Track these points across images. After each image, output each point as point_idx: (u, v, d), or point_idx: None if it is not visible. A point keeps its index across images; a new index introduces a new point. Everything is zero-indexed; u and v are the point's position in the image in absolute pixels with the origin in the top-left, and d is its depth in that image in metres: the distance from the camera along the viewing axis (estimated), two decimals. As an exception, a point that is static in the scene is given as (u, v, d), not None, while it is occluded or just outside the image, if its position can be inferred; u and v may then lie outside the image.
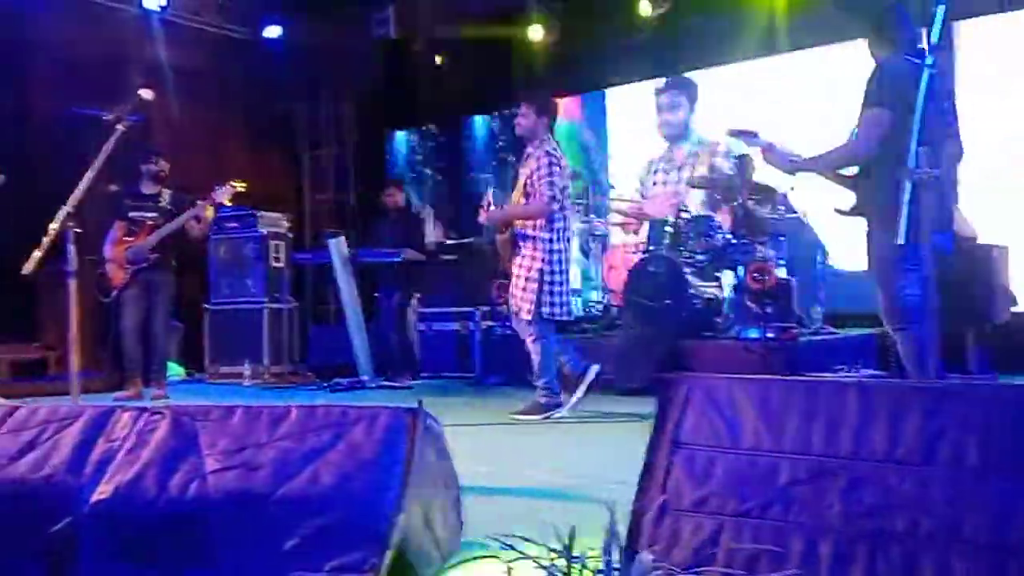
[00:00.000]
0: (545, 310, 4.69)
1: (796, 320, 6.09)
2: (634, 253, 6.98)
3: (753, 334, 5.84)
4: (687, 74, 8.30)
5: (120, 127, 3.72)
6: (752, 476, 1.77)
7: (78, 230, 3.42)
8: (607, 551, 1.58)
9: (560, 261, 4.75)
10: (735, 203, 6.33)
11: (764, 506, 1.72)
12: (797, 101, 7.40)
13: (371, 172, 9.77)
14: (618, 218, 7.84)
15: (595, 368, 4.84)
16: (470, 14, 8.67)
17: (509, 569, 1.73)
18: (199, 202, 6.19)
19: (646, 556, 1.57)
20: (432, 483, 2.06)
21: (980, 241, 5.77)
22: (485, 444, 4.14)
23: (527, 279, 4.68)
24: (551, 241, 4.71)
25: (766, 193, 6.49)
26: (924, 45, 3.44)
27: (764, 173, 6.08)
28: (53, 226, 3.42)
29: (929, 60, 3.18)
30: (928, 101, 3.15)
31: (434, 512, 2.04)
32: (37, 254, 3.41)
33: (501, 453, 3.96)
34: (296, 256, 8.30)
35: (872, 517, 1.61)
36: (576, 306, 6.39)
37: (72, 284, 3.41)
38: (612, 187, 8.42)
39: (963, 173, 5.84)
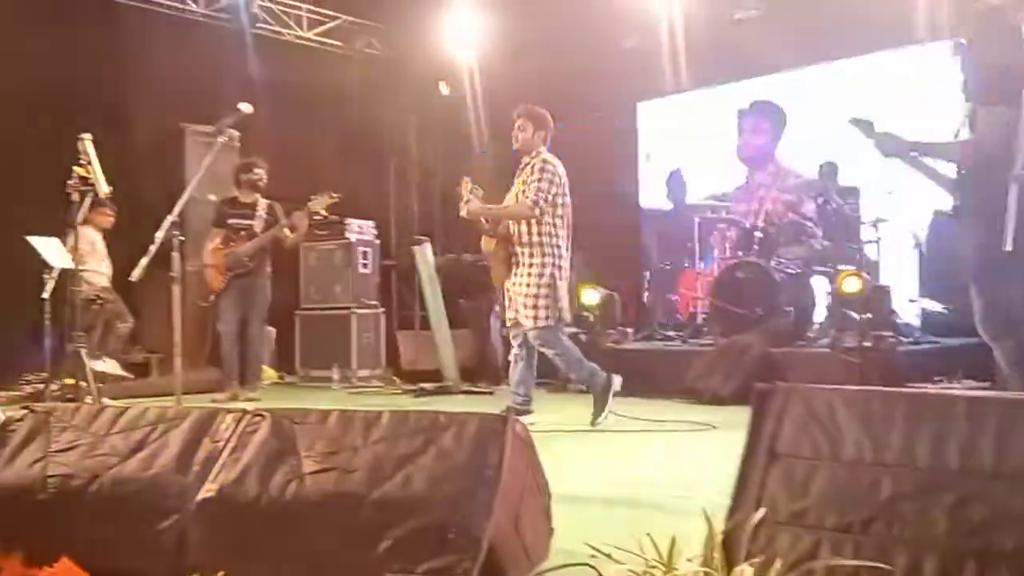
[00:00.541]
0: (567, 316, 4.76)
1: (893, 328, 5.88)
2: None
3: (848, 343, 5.65)
4: (771, 76, 8.04)
5: (221, 139, 3.86)
6: (853, 490, 1.72)
7: (182, 238, 3.56)
8: (706, 563, 1.55)
9: (563, 268, 4.78)
10: (828, 207, 6.16)
11: (866, 521, 1.67)
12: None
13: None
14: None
15: (618, 379, 4.78)
16: (552, 17, 8.68)
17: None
18: (296, 212, 6.37)
19: (745, 569, 1.54)
20: (522, 489, 2.07)
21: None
22: (570, 450, 4.14)
23: (539, 286, 4.66)
24: (555, 246, 4.73)
25: (858, 197, 6.30)
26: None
27: (854, 177, 5.91)
28: (158, 235, 3.57)
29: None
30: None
31: (524, 518, 2.05)
32: (144, 261, 3.57)
33: (586, 460, 3.94)
34: (383, 262, 8.45)
35: (980, 534, 1.54)
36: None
37: (176, 290, 3.55)
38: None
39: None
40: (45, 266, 5.39)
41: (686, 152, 8.77)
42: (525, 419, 4.50)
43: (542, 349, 4.74)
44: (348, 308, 8.02)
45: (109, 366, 6.61)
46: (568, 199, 4.86)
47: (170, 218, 3.57)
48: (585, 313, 7.34)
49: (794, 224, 6.35)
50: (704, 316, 6.89)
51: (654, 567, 1.62)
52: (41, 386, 5.77)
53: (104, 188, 4.79)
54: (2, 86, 6.75)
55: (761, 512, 1.68)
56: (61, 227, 5.11)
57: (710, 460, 3.82)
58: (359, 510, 1.92)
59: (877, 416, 1.78)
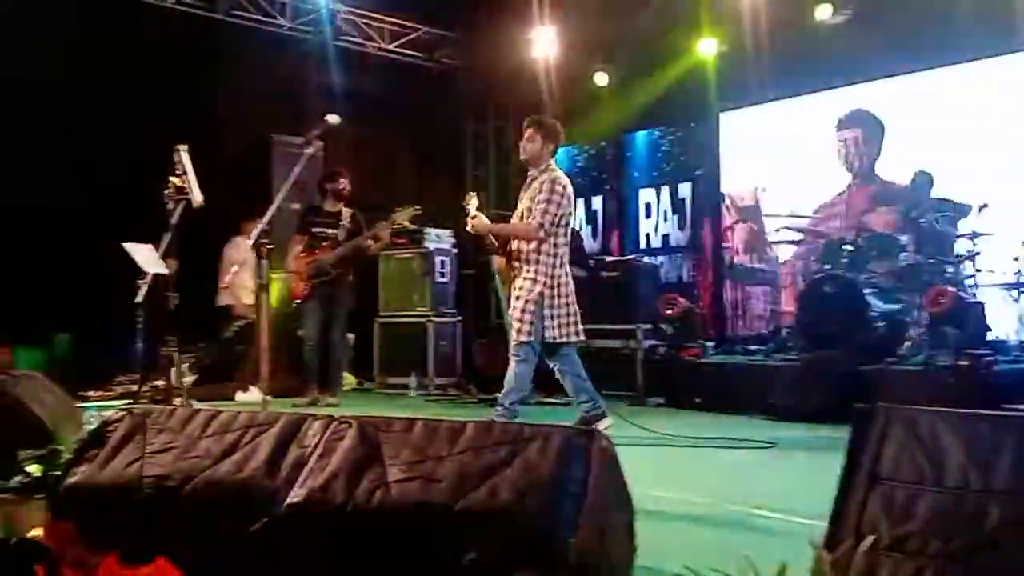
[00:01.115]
0: (549, 333, 4.59)
1: (990, 346, 5.61)
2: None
3: (942, 360, 5.41)
4: (864, 85, 7.79)
5: (309, 150, 3.95)
6: (958, 516, 1.64)
7: (271, 246, 3.65)
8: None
9: (562, 285, 4.66)
10: (921, 221, 5.93)
11: (971, 549, 1.59)
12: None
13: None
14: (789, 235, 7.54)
15: (609, 423, 4.63)
16: (633, 30, 8.63)
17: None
18: (379, 223, 6.48)
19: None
20: (606, 505, 2.03)
21: None
22: (651, 466, 4.07)
23: (527, 300, 4.57)
24: (553, 266, 4.62)
25: (954, 209, 6.05)
26: None
27: (949, 189, 5.68)
28: (249, 242, 3.66)
29: None
30: None
31: (608, 535, 2.02)
32: (235, 269, 3.66)
33: (666, 476, 3.88)
34: (461, 271, 8.51)
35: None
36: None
37: (264, 296, 3.64)
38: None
39: None
40: (139, 272, 5.59)
41: (770, 163, 8.58)
42: (602, 424, 4.50)
43: (516, 363, 4.63)
44: (425, 316, 8.11)
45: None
46: (569, 218, 4.76)
47: (260, 226, 3.67)
48: (663, 326, 7.24)
49: (885, 237, 6.14)
50: (788, 330, 6.70)
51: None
52: (132, 388, 6.00)
53: (198, 197, 4.95)
54: (103, 100, 7.08)
55: (870, 540, 1.61)
56: (156, 234, 5.29)
57: (778, 478, 3.72)
58: (444, 520, 1.91)
59: (984, 440, 1.69)
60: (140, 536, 2.15)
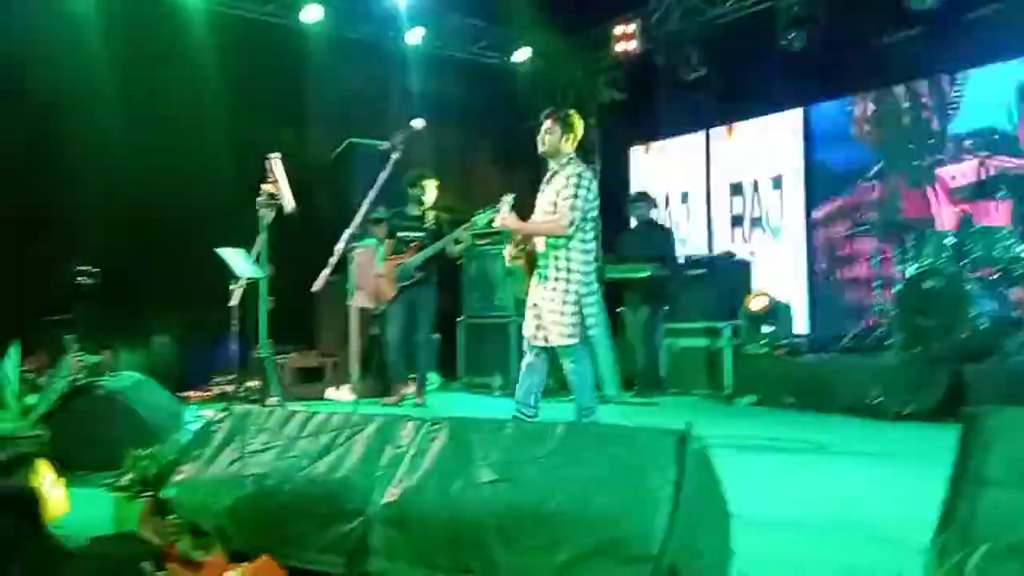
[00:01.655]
0: (590, 333, 4.47)
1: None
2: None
3: (1053, 359, 5.14)
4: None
5: (395, 155, 4.00)
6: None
7: (360, 250, 3.71)
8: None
9: (594, 283, 4.52)
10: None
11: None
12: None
13: (615, 187, 9.83)
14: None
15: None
16: (716, 25, 8.48)
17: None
18: (463, 225, 6.53)
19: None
20: (701, 508, 2.00)
21: None
22: (742, 469, 3.98)
23: (564, 302, 4.40)
24: (585, 263, 4.45)
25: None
26: None
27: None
28: (338, 247, 3.74)
29: None
30: None
31: (703, 538, 1.98)
32: (325, 272, 3.74)
33: (757, 479, 3.79)
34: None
35: None
36: None
37: (353, 300, 3.71)
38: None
39: None
40: (232, 276, 5.77)
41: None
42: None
43: (568, 366, 4.50)
44: (508, 317, 8.13)
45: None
46: (596, 212, 4.56)
47: (349, 230, 3.74)
48: (753, 322, 7.09)
49: (989, 229, 5.84)
50: (887, 327, 6.46)
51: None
52: (228, 388, 6.21)
53: (290, 204, 5.09)
54: (198, 111, 7.37)
55: (984, 548, 1.54)
56: (249, 240, 5.47)
57: (882, 483, 3.59)
58: (535, 522, 1.92)
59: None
60: (243, 534, 2.23)
